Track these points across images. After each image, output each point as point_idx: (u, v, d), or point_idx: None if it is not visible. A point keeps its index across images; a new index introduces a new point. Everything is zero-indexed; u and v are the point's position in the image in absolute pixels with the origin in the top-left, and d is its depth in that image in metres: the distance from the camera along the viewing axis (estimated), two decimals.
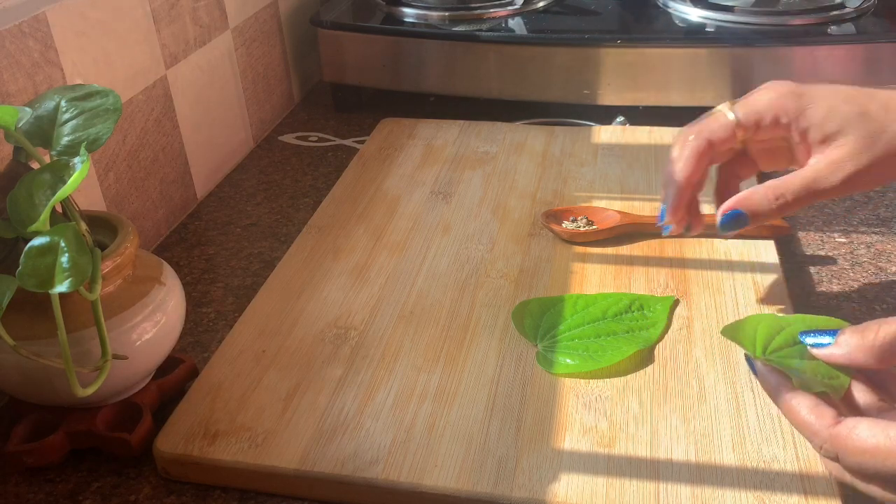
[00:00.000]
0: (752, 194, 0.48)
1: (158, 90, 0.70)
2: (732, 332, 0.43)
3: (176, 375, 0.53)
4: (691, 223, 0.54)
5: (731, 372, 0.51)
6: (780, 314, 0.44)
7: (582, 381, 0.51)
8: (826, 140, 0.47)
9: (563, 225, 0.66)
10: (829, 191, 0.47)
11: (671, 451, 0.46)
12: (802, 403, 0.38)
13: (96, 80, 0.62)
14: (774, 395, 0.40)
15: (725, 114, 0.49)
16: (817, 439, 0.37)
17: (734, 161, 0.53)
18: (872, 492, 0.37)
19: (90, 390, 0.44)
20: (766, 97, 0.49)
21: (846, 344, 0.39)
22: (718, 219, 0.50)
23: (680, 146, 0.51)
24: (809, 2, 0.86)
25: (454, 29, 0.88)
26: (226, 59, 0.81)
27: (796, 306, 0.58)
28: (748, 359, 0.42)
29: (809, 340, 0.41)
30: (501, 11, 0.90)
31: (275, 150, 0.88)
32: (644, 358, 0.52)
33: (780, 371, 0.40)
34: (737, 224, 0.49)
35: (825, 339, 0.40)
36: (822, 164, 0.47)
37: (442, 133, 0.84)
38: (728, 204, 0.49)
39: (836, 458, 0.37)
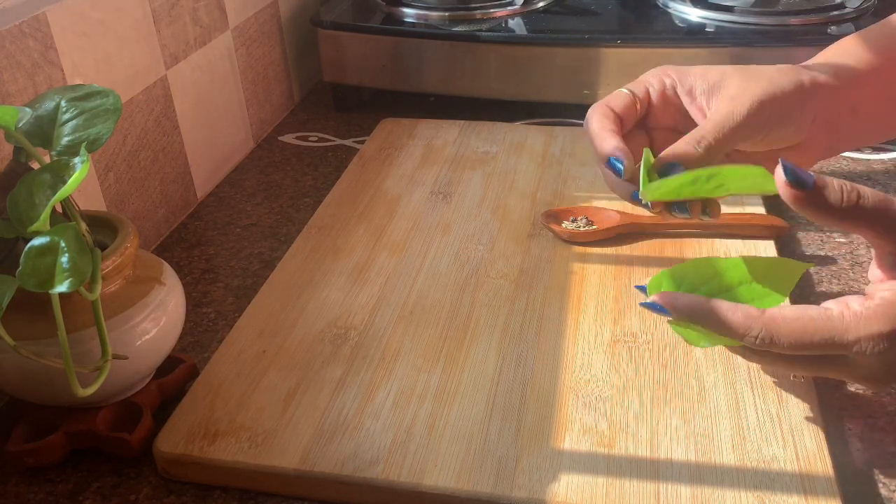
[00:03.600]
0: (676, 145, 0.49)
1: (158, 90, 0.70)
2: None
3: (176, 375, 0.53)
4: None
5: (731, 372, 0.51)
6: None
7: (582, 380, 0.51)
8: (712, 89, 0.50)
9: (563, 225, 0.66)
10: (742, 125, 0.49)
11: (671, 451, 0.46)
12: (732, 307, 0.43)
13: (96, 80, 0.62)
14: (700, 303, 0.44)
15: (619, 91, 0.53)
16: (753, 331, 0.42)
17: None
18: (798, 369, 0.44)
19: (90, 390, 0.44)
20: (649, 73, 0.54)
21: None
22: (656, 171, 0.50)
23: (588, 119, 0.52)
24: (809, 2, 0.86)
25: (454, 29, 0.88)
26: (226, 59, 0.81)
27: None
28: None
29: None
30: (501, 11, 0.90)
31: (275, 150, 0.88)
32: (644, 358, 0.52)
33: None
34: (673, 171, 0.49)
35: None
36: (722, 105, 0.50)
37: (442, 133, 0.84)
38: (661, 158, 0.49)
39: (771, 342, 0.42)
